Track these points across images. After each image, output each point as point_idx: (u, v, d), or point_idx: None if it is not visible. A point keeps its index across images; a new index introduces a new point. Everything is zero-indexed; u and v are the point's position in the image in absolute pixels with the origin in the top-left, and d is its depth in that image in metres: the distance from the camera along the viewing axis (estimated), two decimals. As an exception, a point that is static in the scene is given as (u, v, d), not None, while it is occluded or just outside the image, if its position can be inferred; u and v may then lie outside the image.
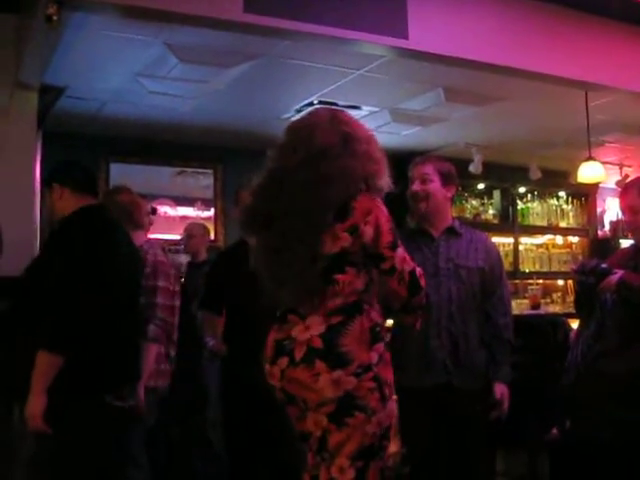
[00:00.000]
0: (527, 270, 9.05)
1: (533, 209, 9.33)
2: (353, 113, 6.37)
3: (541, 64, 5.01)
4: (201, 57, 5.11)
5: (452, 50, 4.71)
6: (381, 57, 5.06)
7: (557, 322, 4.76)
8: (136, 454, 3.73)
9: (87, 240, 2.99)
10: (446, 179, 3.63)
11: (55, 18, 3.64)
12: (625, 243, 8.49)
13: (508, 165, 8.56)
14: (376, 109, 6.58)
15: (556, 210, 9.50)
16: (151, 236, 4.56)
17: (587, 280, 3.50)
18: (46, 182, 3.26)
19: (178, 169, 7.69)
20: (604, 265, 3.49)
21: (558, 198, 9.56)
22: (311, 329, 2.35)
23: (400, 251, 2.41)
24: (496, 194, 9.12)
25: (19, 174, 4.64)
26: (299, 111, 6.36)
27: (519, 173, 8.63)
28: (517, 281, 9.05)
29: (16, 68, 4.81)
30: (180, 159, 7.68)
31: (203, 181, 7.84)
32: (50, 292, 2.87)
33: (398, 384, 3.43)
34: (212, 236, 7.27)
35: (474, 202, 8.90)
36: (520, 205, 9.20)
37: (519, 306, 8.37)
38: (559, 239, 9.69)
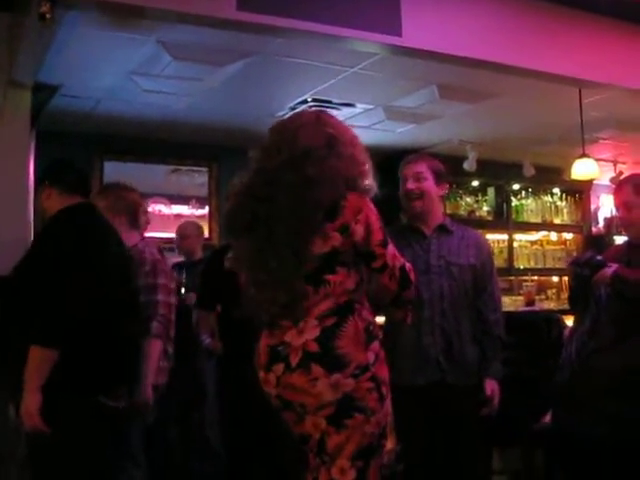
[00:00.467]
0: (521, 267, 9.07)
1: (527, 206, 9.33)
2: (347, 111, 6.51)
3: (535, 61, 5.01)
4: (195, 55, 5.10)
5: (446, 47, 4.71)
6: (375, 54, 5.06)
7: (552, 319, 4.76)
8: (135, 453, 3.73)
9: (72, 236, 2.98)
10: (439, 177, 3.66)
11: (48, 16, 3.64)
12: (619, 240, 8.52)
13: (502, 162, 8.56)
14: (370, 107, 6.58)
15: (550, 207, 9.51)
16: (146, 235, 4.57)
17: (582, 272, 3.51)
18: (37, 183, 3.28)
19: (172, 167, 7.68)
20: (599, 257, 3.50)
21: (552, 195, 9.57)
22: (305, 333, 2.32)
23: (390, 248, 2.43)
24: (490, 191, 9.13)
25: (13, 173, 4.63)
26: (293, 109, 6.36)
27: (513, 170, 8.63)
28: (512, 278, 9.06)
29: (9, 66, 4.79)
30: (174, 157, 7.67)
31: (197, 179, 7.83)
32: (37, 288, 2.87)
33: (392, 382, 3.47)
34: (206, 234, 7.26)
35: (468, 199, 8.91)
36: (514, 202, 9.21)
37: (514, 303, 8.37)
38: (553, 236, 9.71)
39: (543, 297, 8.96)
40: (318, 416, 2.32)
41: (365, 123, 7.00)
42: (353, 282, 2.39)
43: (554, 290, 9.30)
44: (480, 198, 9.04)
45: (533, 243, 9.50)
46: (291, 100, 6.28)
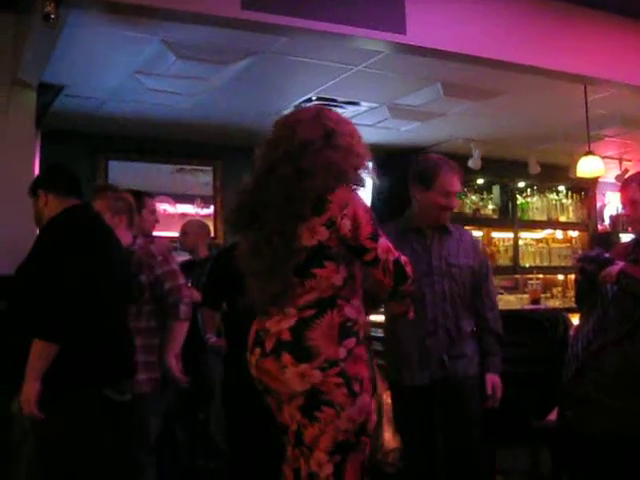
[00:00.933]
0: (527, 265, 9.05)
1: (533, 204, 9.32)
2: (352, 109, 6.51)
3: (540, 58, 5.01)
4: (199, 54, 5.10)
5: (450, 45, 4.71)
6: (379, 52, 5.05)
7: (557, 317, 4.75)
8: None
9: (73, 236, 3.04)
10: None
11: (53, 16, 3.65)
12: (625, 237, 8.50)
13: (507, 160, 8.56)
14: (375, 105, 6.57)
15: (556, 205, 9.49)
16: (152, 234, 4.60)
17: (589, 268, 3.51)
18: (32, 191, 3.27)
19: (177, 166, 7.68)
20: (607, 255, 3.50)
21: (558, 193, 9.55)
22: (283, 322, 2.41)
23: (382, 241, 2.42)
24: (495, 189, 9.12)
25: (18, 173, 4.64)
26: (298, 107, 6.36)
27: (518, 168, 8.61)
28: (517, 276, 9.06)
29: (15, 66, 4.81)
30: (179, 156, 7.68)
31: (202, 178, 7.83)
32: (40, 286, 2.90)
33: (396, 382, 3.50)
34: (212, 233, 7.26)
35: (473, 197, 8.89)
36: (520, 200, 9.20)
37: (519, 301, 8.37)
38: (559, 234, 9.70)
39: (548, 295, 8.96)
40: (292, 406, 2.40)
41: (370, 121, 7.00)
42: (341, 278, 2.42)
43: (559, 288, 9.29)
44: (485, 196, 9.02)
45: (538, 241, 9.49)
46: (296, 99, 6.28)
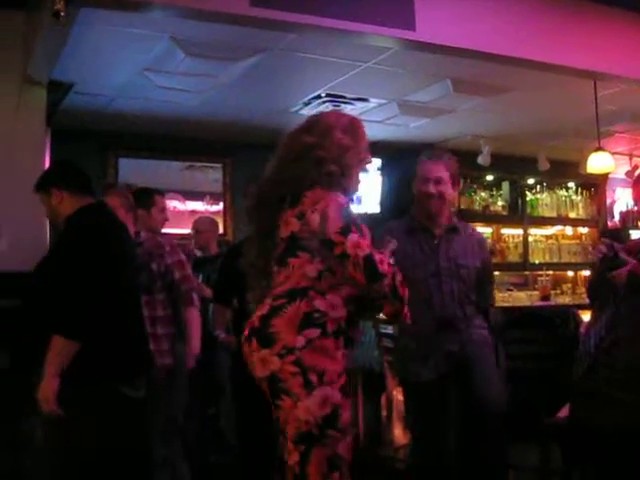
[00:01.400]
0: (537, 261, 9.03)
1: (542, 200, 9.29)
2: (361, 105, 6.51)
3: (549, 54, 4.99)
4: (208, 51, 5.10)
5: (459, 41, 4.70)
6: (388, 49, 5.04)
7: (567, 313, 4.76)
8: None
9: (97, 235, 3.07)
10: (454, 180, 3.75)
11: (62, 14, 3.65)
12: (635, 234, 8.48)
13: (517, 156, 8.53)
14: (384, 101, 6.57)
15: (565, 201, 9.46)
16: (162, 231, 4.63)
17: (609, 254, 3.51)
18: (43, 187, 3.27)
19: (187, 163, 7.70)
20: (622, 256, 3.50)
21: (567, 189, 9.52)
22: (259, 310, 2.52)
23: (353, 237, 2.43)
24: (505, 185, 9.09)
25: (29, 171, 4.63)
26: (307, 104, 6.37)
27: (528, 164, 8.59)
28: (527, 272, 9.04)
29: (25, 65, 4.82)
30: (189, 153, 7.69)
31: (212, 175, 7.85)
32: (61, 286, 2.91)
33: (405, 380, 3.52)
34: (221, 230, 7.27)
35: (483, 194, 8.87)
36: (529, 196, 9.17)
37: (529, 297, 8.37)
38: (569, 230, 9.66)
39: (558, 292, 8.93)
40: (266, 393, 2.49)
41: (379, 118, 7.00)
42: (314, 269, 2.47)
43: (569, 285, 9.26)
44: (495, 193, 9.00)
45: (548, 238, 9.46)
46: (305, 95, 6.28)
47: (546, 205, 9.31)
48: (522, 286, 8.94)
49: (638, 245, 3.68)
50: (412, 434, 3.81)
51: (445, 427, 3.60)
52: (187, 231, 6.46)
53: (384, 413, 4.71)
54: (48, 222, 4.76)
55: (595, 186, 9.56)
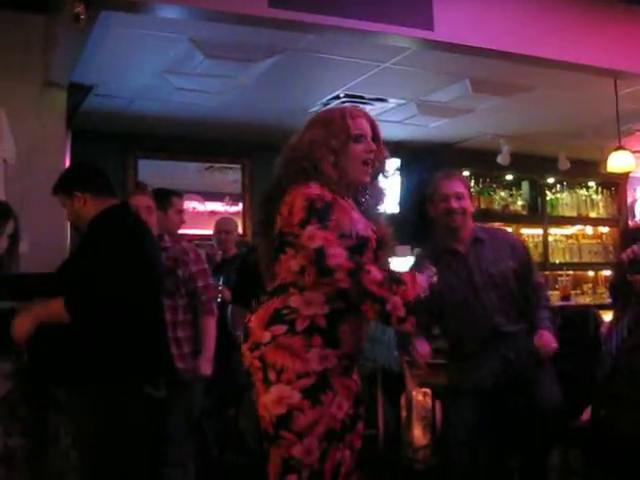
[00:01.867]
0: (557, 261, 8.99)
1: (562, 200, 9.24)
2: (380, 106, 6.51)
3: (569, 53, 4.97)
4: (227, 52, 5.12)
5: (478, 40, 4.69)
6: (407, 49, 5.04)
7: (588, 313, 4.72)
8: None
9: (124, 237, 3.07)
10: (471, 194, 3.80)
11: (82, 17, 3.69)
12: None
13: (536, 155, 8.48)
14: (403, 101, 6.56)
15: (586, 200, 9.40)
16: (180, 232, 4.64)
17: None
18: (64, 190, 3.26)
19: (206, 164, 7.72)
20: None
21: (588, 188, 9.46)
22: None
23: (310, 228, 2.32)
24: (525, 185, 9.05)
25: (50, 172, 4.67)
26: (326, 104, 6.37)
27: (548, 163, 8.55)
28: (547, 272, 8.98)
29: (45, 67, 4.87)
30: (208, 154, 7.72)
31: (231, 176, 7.87)
32: (85, 287, 2.93)
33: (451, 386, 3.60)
34: (240, 231, 7.29)
35: (502, 193, 8.84)
36: (549, 196, 9.13)
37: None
38: (589, 229, 9.59)
39: (579, 292, 8.89)
40: None
41: (397, 118, 6.99)
42: (297, 264, 2.41)
43: (590, 285, 9.20)
44: (514, 192, 8.96)
45: (568, 237, 9.40)
46: (323, 96, 6.29)
47: (566, 204, 9.25)
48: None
49: None
50: (455, 439, 3.78)
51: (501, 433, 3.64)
52: (206, 232, 6.48)
53: (403, 414, 4.69)
54: (69, 224, 4.80)
55: (616, 185, 9.49)
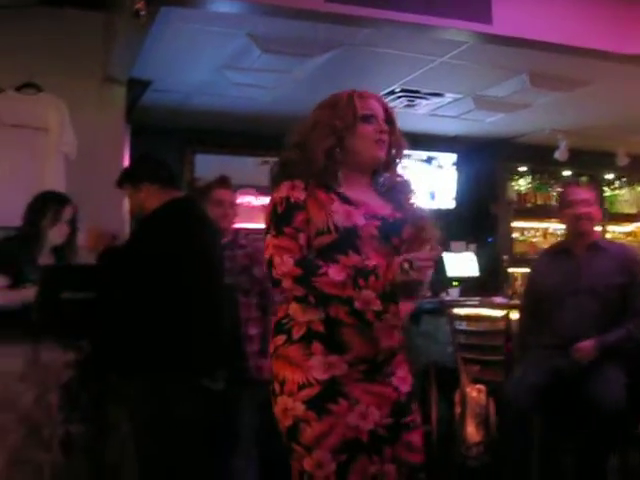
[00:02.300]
0: (615, 259, 8.82)
1: (621, 196, 9.09)
2: (436, 100, 6.49)
3: (629, 45, 4.87)
4: (284, 47, 5.14)
5: (537, 34, 4.62)
6: (464, 43, 5.00)
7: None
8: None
9: (189, 228, 3.13)
10: (599, 202, 4.11)
11: (143, 13, 3.74)
12: None
13: (595, 151, 8.35)
14: (459, 96, 6.51)
15: (646, 197, 9.25)
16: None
17: None
18: (132, 182, 3.30)
19: (262, 159, 7.75)
20: None
21: (648, 185, 9.30)
22: None
23: (267, 238, 2.26)
24: (582, 181, 8.92)
25: (109, 166, 4.77)
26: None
27: (606, 159, 8.43)
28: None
29: (105, 63, 4.95)
30: (263, 149, 7.72)
31: (287, 170, 7.88)
32: (143, 273, 2.99)
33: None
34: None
35: (560, 189, 8.71)
36: (608, 192, 8.98)
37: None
38: (648, 227, 9.43)
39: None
40: None
41: (454, 113, 6.95)
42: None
43: (650, 283, 9.02)
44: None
45: (627, 234, 9.24)
46: (379, 91, 6.25)
47: (625, 201, 9.10)
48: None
49: None
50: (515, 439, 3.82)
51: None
52: (260, 226, 6.49)
53: (457, 410, 4.67)
54: (128, 216, 4.88)
55: (677, 181, 9.30)
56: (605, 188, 8.95)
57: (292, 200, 2.27)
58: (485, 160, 8.16)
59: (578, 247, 3.88)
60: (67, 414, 3.27)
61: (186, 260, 3.04)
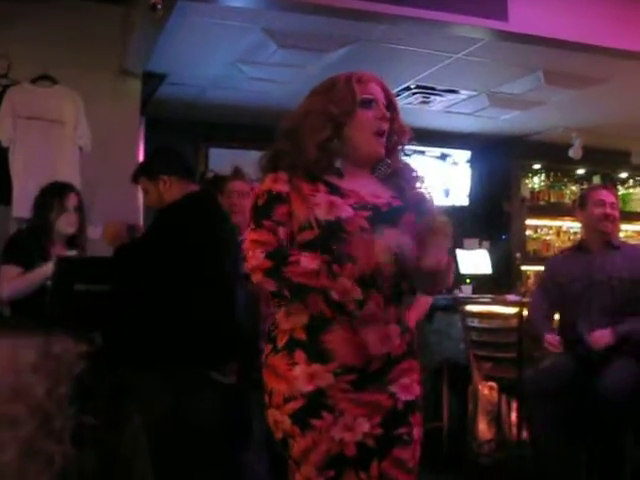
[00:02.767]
0: (628, 258, 8.78)
1: (635, 195, 9.05)
2: (450, 97, 6.48)
3: (644, 44, 4.86)
4: (300, 42, 5.14)
5: (553, 32, 4.62)
6: (480, 40, 4.99)
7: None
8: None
9: (197, 222, 3.12)
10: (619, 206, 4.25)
11: (159, 7, 3.76)
12: None
13: (609, 149, 8.32)
14: (474, 93, 6.50)
15: (659, 196, 9.20)
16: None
17: None
18: (150, 175, 3.29)
19: (275, 153, 7.77)
20: None
21: (661, 183, 9.26)
22: None
23: (246, 233, 2.14)
24: (596, 179, 8.86)
25: (124, 157, 4.81)
26: (397, 95, 6.31)
27: (620, 158, 8.41)
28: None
29: (121, 56, 4.97)
30: (277, 144, 7.75)
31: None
32: (158, 263, 3.02)
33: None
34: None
35: (573, 187, 8.70)
36: (621, 191, 8.93)
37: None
38: (662, 226, 9.38)
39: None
40: None
41: (468, 110, 6.94)
42: None
43: (662, 282, 8.98)
44: (585, 187, 8.78)
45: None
46: (394, 87, 6.25)
47: (639, 200, 9.06)
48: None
49: None
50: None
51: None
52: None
53: (469, 407, 4.68)
54: (142, 209, 4.90)
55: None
56: (619, 186, 8.90)
57: (274, 192, 2.11)
58: (499, 157, 8.14)
59: (595, 244, 4.01)
60: (79, 406, 3.28)
61: (208, 252, 3.05)
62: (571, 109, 6.94)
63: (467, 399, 4.70)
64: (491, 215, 8.29)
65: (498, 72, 5.89)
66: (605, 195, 4.11)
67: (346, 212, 2.03)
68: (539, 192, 8.55)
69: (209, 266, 3.06)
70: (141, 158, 5.22)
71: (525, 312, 4.40)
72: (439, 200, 7.41)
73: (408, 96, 6.40)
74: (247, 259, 2.04)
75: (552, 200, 8.45)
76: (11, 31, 4.64)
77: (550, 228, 8.62)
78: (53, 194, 3.79)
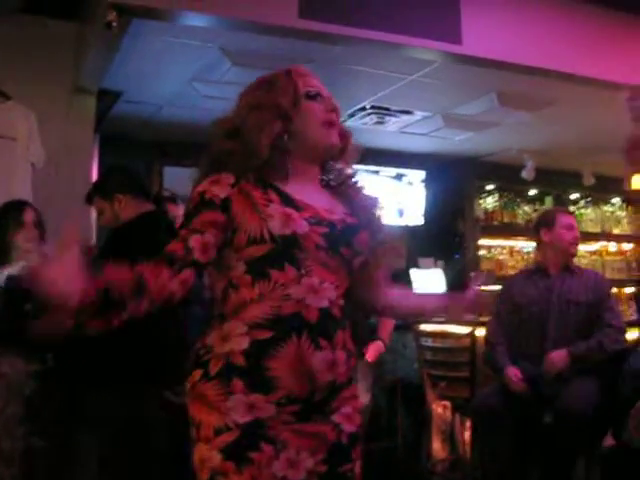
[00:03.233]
0: (580, 277, 8.90)
1: (586, 215, 9.20)
2: (405, 118, 6.53)
3: (594, 69, 4.96)
4: (255, 61, 5.13)
5: (506, 55, 4.69)
6: (434, 62, 5.04)
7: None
8: None
9: (152, 241, 3.07)
10: None
11: (114, 25, 3.73)
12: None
13: (561, 171, 8.46)
14: (429, 114, 6.56)
15: (609, 217, 9.36)
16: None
17: None
18: (105, 194, 3.28)
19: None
20: None
21: (612, 204, 9.42)
22: None
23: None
24: (548, 200, 9.01)
25: (78, 176, 4.75)
26: (352, 115, 6.39)
27: (572, 179, 8.54)
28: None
29: (75, 73, 4.92)
30: (232, 163, 7.73)
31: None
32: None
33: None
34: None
35: (526, 208, 8.81)
36: (573, 211, 9.07)
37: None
38: (612, 246, 9.53)
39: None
40: None
41: (424, 130, 7.00)
42: (220, 287, 1.97)
43: (613, 301, 9.11)
44: (538, 207, 8.90)
45: (592, 253, 9.32)
46: (349, 107, 6.29)
47: (590, 220, 9.21)
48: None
49: None
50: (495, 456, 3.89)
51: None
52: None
53: (423, 426, 4.69)
54: (94, 228, 4.84)
55: (640, 202, 9.43)
56: (571, 207, 9.03)
57: (206, 197, 1.90)
58: (453, 178, 8.22)
59: (554, 267, 4.07)
60: (28, 427, 3.22)
61: None
62: (524, 131, 7.03)
63: (421, 418, 4.71)
64: (446, 235, 8.34)
65: (452, 93, 5.96)
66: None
67: (302, 227, 1.84)
68: (492, 212, 8.63)
69: None
70: (95, 176, 5.16)
71: (478, 331, 4.44)
72: (393, 219, 7.46)
73: (363, 116, 6.44)
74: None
75: (505, 220, 8.54)
76: (-37, 46, 4.58)
77: (503, 248, 8.70)
78: (8, 211, 3.74)
